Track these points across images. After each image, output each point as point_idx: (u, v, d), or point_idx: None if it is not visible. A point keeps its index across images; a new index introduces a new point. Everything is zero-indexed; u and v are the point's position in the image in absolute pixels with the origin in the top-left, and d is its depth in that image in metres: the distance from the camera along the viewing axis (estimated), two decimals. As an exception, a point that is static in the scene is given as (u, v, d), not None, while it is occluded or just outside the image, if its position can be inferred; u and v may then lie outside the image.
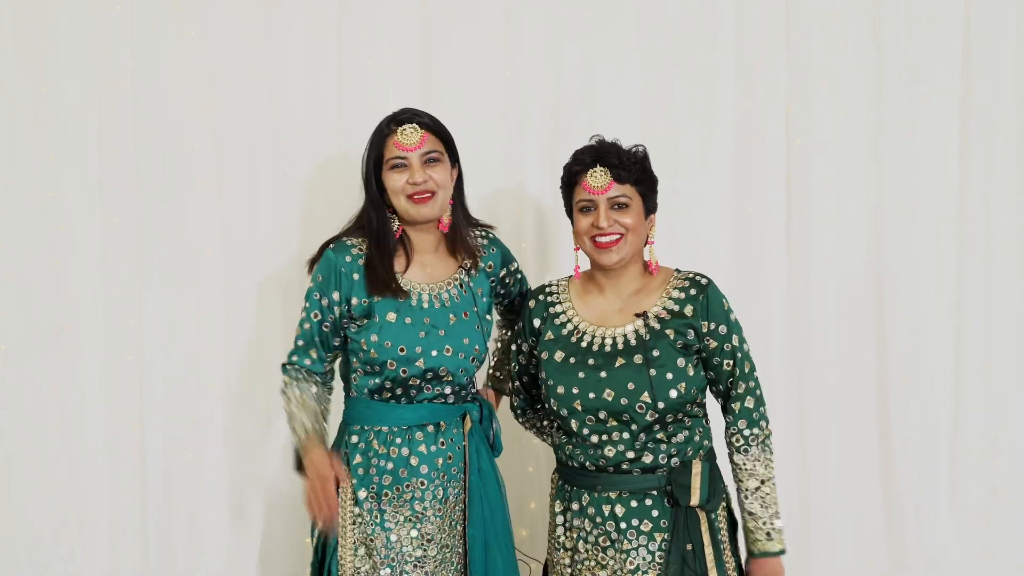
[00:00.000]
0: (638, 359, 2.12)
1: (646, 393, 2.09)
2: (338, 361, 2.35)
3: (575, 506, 2.20)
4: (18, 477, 2.93)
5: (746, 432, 2.20)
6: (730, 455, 2.23)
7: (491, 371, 2.58)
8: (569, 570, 2.23)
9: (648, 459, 2.13)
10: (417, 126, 2.21)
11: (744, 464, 2.20)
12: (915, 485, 3.11)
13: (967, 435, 3.12)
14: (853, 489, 3.12)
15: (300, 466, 2.22)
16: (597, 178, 2.15)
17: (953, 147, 3.09)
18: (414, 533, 2.22)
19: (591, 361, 2.15)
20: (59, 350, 2.93)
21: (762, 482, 2.19)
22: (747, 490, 2.20)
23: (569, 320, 2.23)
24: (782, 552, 2.21)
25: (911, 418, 3.10)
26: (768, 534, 2.19)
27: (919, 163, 3.07)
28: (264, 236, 2.96)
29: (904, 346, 3.09)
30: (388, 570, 2.20)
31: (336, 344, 2.26)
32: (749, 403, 2.20)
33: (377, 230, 2.23)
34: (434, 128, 2.25)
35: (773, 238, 3.07)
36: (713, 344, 2.16)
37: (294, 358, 2.26)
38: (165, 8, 2.91)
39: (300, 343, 2.25)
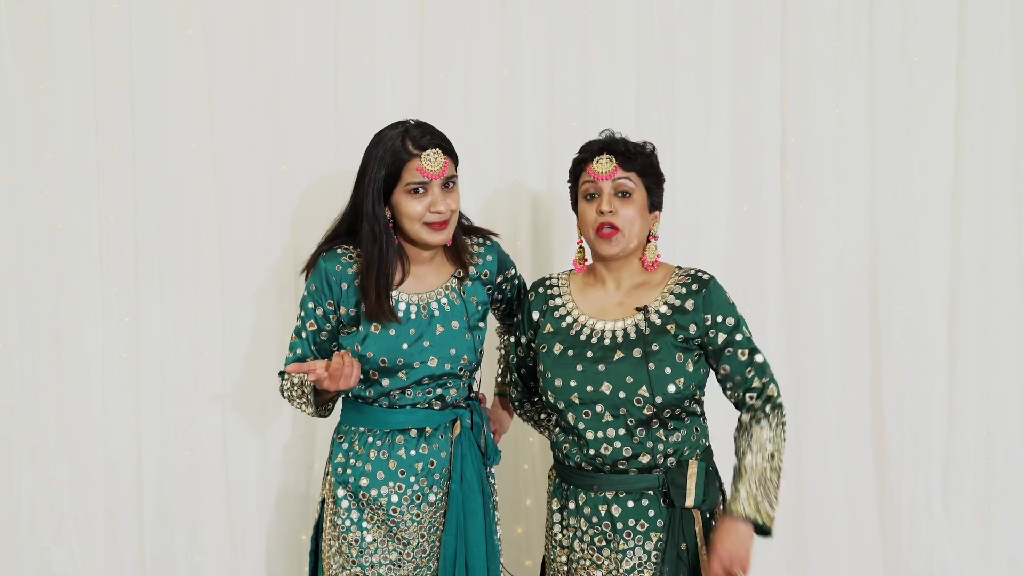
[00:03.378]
0: (637, 353, 2.12)
1: (644, 387, 2.09)
2: None
3: (571, 505, 2.20)
4: (16, 475, 2.94)
5: (768, 410, 2.15)
6: (745, 428, 2.16)
7: (498, 379, 2.57)
8: (565, 567, 2.24)
9: (645, 459, 2.13)
10: (440, 151, 2.15)
11: (758, 433, 2.14)
12: (909, 483, 3.12)
13: (961, 433, 3.13)
14: (848, 487, 3.13)
15: (320, 401, 2.23)
16: (603, 164, 2.16)
17: (948, 145, 3.10)
18: (390, 535, 2.21)
19: (589, 354, 2.15)
20: (57, 348, 2.93)
21: (771, 456, 2.13)
22: (753, 464, 2.12)
23: (568, 313, 2.23)
24: (763, 529, 2.11)
25: (906, 416, 3.11)
26: (758, 506, 2.10)
27: (914, 162, 3.08)
28: (261, 235, 2.97)
29: (899, 344, 3.09)
30: (359, 569, 2.20)
31: (334, 349, 2.26)
32: (772, 391, 2.17)
33: (378, 252, 2.16)
34: (450, 150, 2.19)
35: (769, 237, 3.08)
36: (722, 337, 2.15)
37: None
38: (163, 7, 2.91)
39: (298, 351, 2.24)
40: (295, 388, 2.20)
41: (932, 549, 3.12)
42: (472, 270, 2.30)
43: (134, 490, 2.98)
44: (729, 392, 2.21)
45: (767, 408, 2.17)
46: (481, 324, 2.31)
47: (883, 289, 3.09)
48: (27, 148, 2.91)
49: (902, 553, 3.12)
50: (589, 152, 2.19)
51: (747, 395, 2.17)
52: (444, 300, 2.25)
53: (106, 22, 2.90)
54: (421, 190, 2.14)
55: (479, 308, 2.30)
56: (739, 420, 2.21)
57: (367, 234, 2.16)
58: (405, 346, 2.18)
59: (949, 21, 3.05)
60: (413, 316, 2.21)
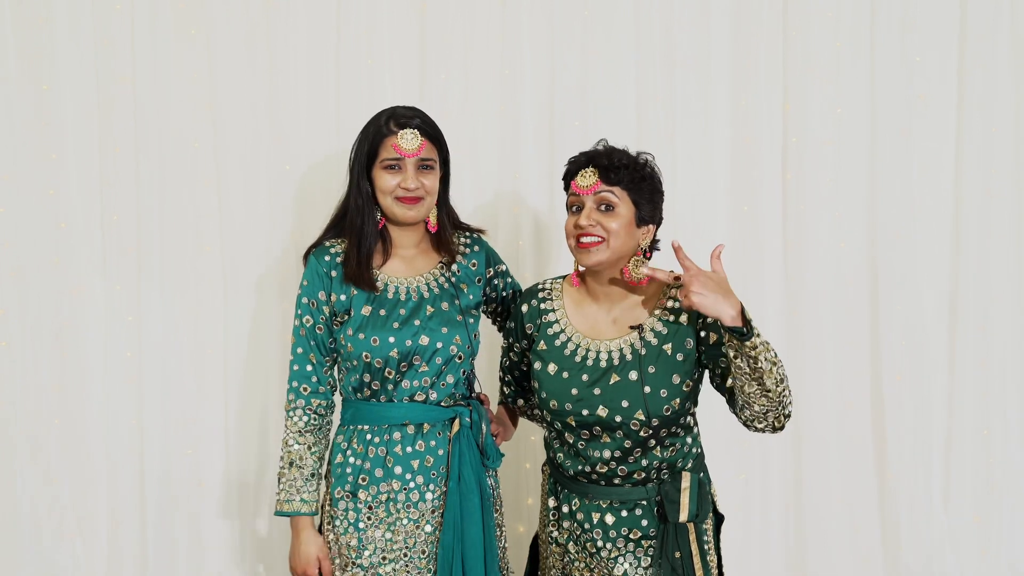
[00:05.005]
0: (633, 376, 2.09)
1: (640, 411, 2.07)
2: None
3: (565, 508, 2.20)
4: (18, 474, 2.95)
5: None
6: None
7: (501, 387, 2.56)
8: (561, 561, 2.25)
9: (640, 475, 2.13)
10: (418, 132, 2.22)
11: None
12: (909, 483, 3.12)
13: (961, 433, 3.14)
14: (848, 486, 3.13)
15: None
16: (586, 178, 2.13)
17: (949, 145, 3.10)
18: (388, 535, 2.22)
19: (585, 376, 2.13)
20: (59, 347, 2.94)
21: (775, 364, 1.98)
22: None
23: (563, 330, 2.20)
24: (743, 326, 1.91)
25: (905, 415, 3.11)
26: (757, 331, 1.94)
27: (915, 161, 3.09)
28: (262, 233, 2.97)
29: (899, 343, 3.10)
30: (359, 570, 2.21)
31: (332, 346, 2.27)
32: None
33: (360, 223, 2.24)
34: (432, 135, 2.25)
35: (769, 236, 3.08)
36: (713, 337, 2.09)
37: (295, 368, 2.27)
38: (165, 6, 2.92)
39: (299, 350, 2.26)
40: (287, 477, 2.24)
41: (931, 548, 3.12)
42: (460, 258, 2.35)
43: (136, 488, 2.99)
44: (727, 391, 2.11)
45: None
46: (474, 312, 2.33)
47: (883, 289, 3.09)
48: (30, 147, 2.92)
49: (902, 552, 3.12)
50: (575, 165, 2.17)
51: None
52: (433, 283, 2.30)
53: (108, 22, 2.91)
54: (396, 167, 2.22)
55: (470, 296, 2.33)
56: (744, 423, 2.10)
57: (352, 206, 2.26)
58: (396, 325, 2.22)
59: (949, 21, 3.06)
60: (403, 297, 2.25)
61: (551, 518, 2.26)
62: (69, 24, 2.91)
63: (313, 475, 2.24)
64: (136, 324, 2.97)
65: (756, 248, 3.07)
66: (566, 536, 2.21)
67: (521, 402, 2.47)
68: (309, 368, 2.26)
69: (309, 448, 2.25)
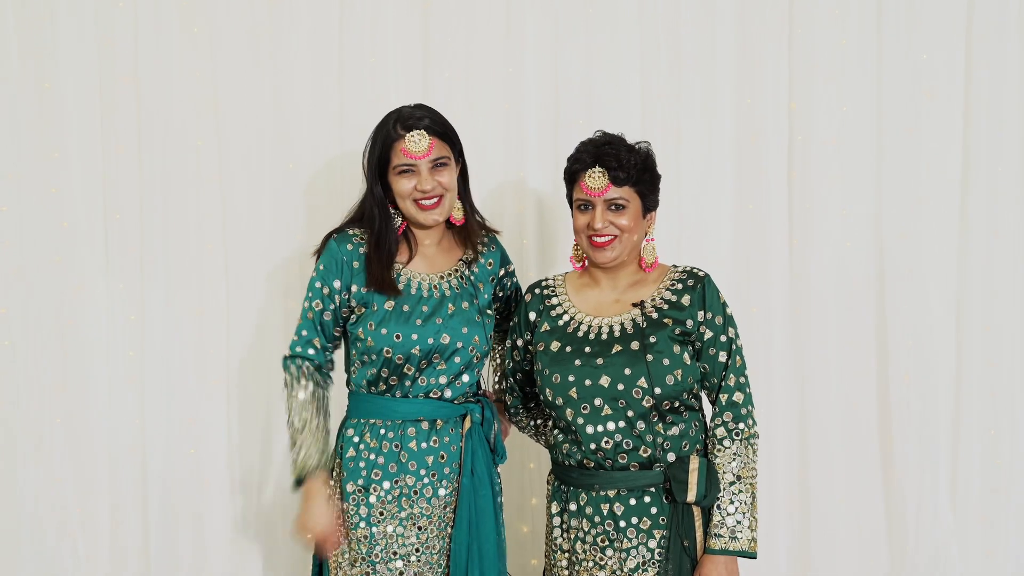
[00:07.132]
0: (635, 346, 2.14)
1: (643, 379, 2.11)
2: (338, 354, 2.35)
3: (572, 506, 2.20)
4: (21, 473, 2.94)
5: (730, 425, 2.18)
6: (710, 447, 2.20)
7: (495, 385, 2.56)
8: (567, 572, 2.24)
9: (645, 453, 2.13)
10: (425, 132, 2.20)
11: (721, 457, 2.17)
12: (916, 483, 3.10)
13: (967, 433, 3.12)
14: (854, 487, 3.12)
15: (299, 483, 2.24)
16: (595, 180, 2.16)
17: (955, 143, 3.08)
18: (400, 530, 2.22)
19: (587, 349, 2.17)
20: (62, 346, 2.94)
21: (737, 478, 2.16)
22: (721, 484, 2.16)
23: (565, 312, 2.25)
24: (744, 554, 2.14)
25: (912, 415, 3.09)
26: (733, 533, 2.13)
27: (921, 159, 3.07)
28: (266, 232, 2.97)
29: (905, 343, 3.08)
30: (369, 566, 2.21)
31: (337, 334, 2.28)
32: (738, 398, 2.19)
33: (379, 228, 2.24)
34: (440, 132, 2.24)
35: (775, 235, 3.07)
36: (709, 334, 2.18)
37: (297, 349, 2.27)
38: (168, 5, 2.92)
39: (303, 332, 2.26)
40: (298, 440, 2.23)
41: (937, 549, 3.11)
42: (481, 250, 2.36)
43: (138, 487, 2.98)
44: (705, 391, 2.25)
45: (731, 421, 2.19)
46: (488, 311, 2.34)
47: (889, 288, 3.08)
48: (32, 146, 2.92)
49: (908, 553, 3.11)
50: (582, 164, 2.19)
51: (720, 396, 2.20)
52: (454, 281, 2.30)
53: (111, 20, 2.91)
54: (410, 171, 2.21)
55: (485, 295, 2.34)
56: (708, 437, 2.22)
57: (369, 209, 2.26)
58: (419, 322, 2.22)
59: (956, 19, 3.04)
60: (425, 294, 2.25)
61: (554, 524, 2.26)
62: (71, 23, 2.91)
63: (319, 427, 2.23)
64: (139, 323, 2.96)
65: (761, 247, 3.06)
66: (572, 537, 2.20)
67: (523, 412, 2.46)
68: (312, 352, 2.27)
69: (316, 411, 2.24)
